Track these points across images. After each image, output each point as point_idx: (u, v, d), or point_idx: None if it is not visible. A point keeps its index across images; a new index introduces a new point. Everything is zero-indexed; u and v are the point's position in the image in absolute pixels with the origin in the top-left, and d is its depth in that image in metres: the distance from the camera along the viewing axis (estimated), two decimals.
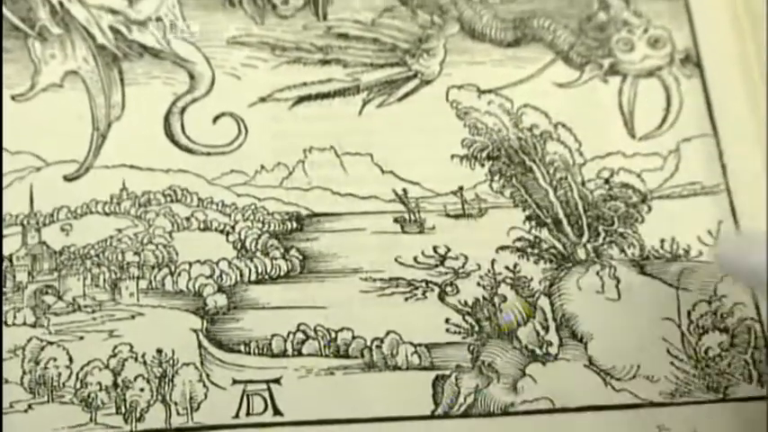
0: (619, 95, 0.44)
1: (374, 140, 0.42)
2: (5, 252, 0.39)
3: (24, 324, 0.38)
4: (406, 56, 0.44)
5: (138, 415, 0.37)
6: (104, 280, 0.39)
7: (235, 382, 0.38)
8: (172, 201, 0.41)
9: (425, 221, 0.41)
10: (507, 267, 0.41)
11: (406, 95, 0.44)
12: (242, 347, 0.38)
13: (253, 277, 0.40)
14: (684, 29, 0.45)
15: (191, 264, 0.39)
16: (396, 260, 0.40)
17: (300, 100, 0.43)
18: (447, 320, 0.39)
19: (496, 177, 0.42)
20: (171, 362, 0.38)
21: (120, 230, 0.40)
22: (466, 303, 0.40)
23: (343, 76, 0.44)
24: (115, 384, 0.37)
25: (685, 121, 0.44)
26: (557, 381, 0.39)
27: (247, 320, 0.39)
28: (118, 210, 0.40)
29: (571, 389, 0.39)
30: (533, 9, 0.45)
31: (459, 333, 0.39)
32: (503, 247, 0.41)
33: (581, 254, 0.41)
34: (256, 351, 0.38)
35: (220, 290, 0.39)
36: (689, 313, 0.40)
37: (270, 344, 0.38)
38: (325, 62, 0.44)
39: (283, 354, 0.38)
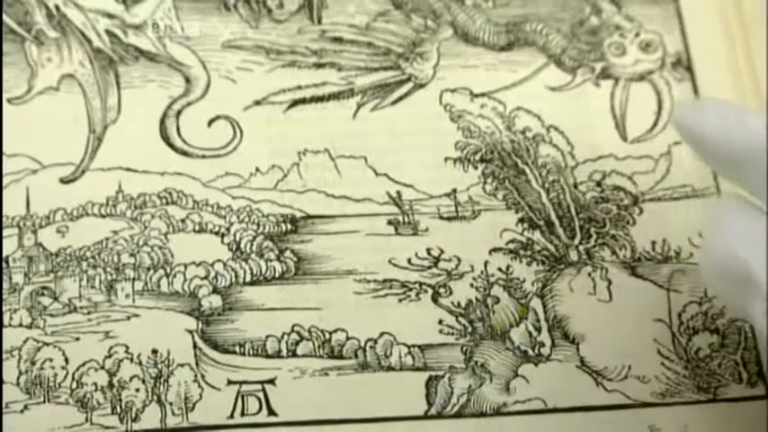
0: (611, 99, 0.45)
1: (368, 143, 0.43)
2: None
3: (21, 325, 0.38)
4: (400, 59, 0.45)
5: (133, 415, 0.37)
6: (100, 281, 0.39)
7: (230, 382, 0.38)
8: (167, 203, 0.41)
9: (419, 223, 0.42)
10: (500, 269, 0.41)
11: (400, 99, 0.44)
12: (237, 348, 0.39)
13: (248, 279, 0.40)
14: (675, 33, 0.46)
15: (186, 265, 0.40)
16: (389, 262, 0.41)
17: (295, 103, 0.43)
18: (440, 321, 0.40)
19: (489, 180, 0.43)
20: (166, 362, 0.38)
21: (115, 232, 0.40)
22: (459, 305, 0.40)
23: (338, 80, 0.44)
24: (111, 385, 0.37)
25: None
26: (549, 381, 0.39)
27: (242, 321, 0.39)
28: (114, 212, 0.40)
29: (563, 389, 0.39)
30: (526, 13, 0.46)
31: (453, 334, 0.40)
32: (496, 249, 0.41)
33: (573, 256, 0.42)
34: (251, 352, 0.39)
35: (215, 291, 0.39)
36: (679, 314, 0.41)
37: (264, 345, 0.39)
38: (319, 66, 0.44)
39: (278, 354, 0.39)
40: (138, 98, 0.42)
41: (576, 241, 0.42)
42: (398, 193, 0.42)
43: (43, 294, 0.38)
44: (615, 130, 0.44)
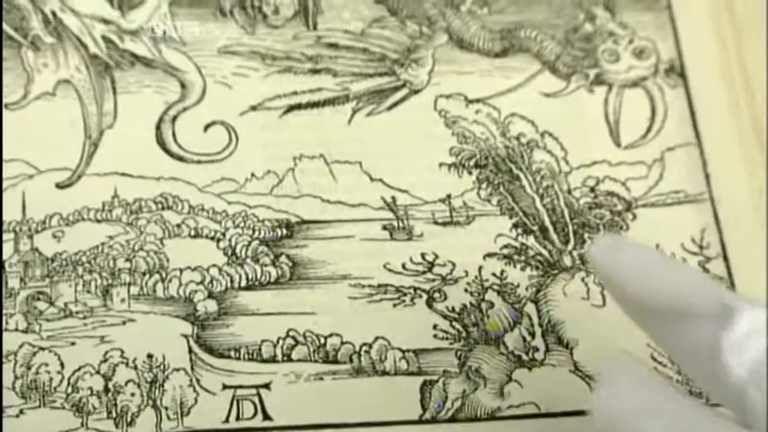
0: (604, 105, 0.45)
1: (363, 149, 0.43)
2: None
3: (16, 330, 0.38)
4: (395, 65, 0.45)
5: (128, 419, 0.37)
6: (96, 286, 0.39)
7: (225, 387, 0.38)
8: (163, 208, 0.41)
9: (414, 229, 0.42)
10: (494, 274, 0.41)
11: (395, 104, 0.44)
12: (232, 353, 0.39)
13: (243, 283, 0.40)
14: (669, 40, 0.46)
15: (181, 270, 0.40)
16: (384, 267, 0.41)
17: (290, 109, 0.43)
18: (435, 326, 0.40)
19: (484, 185, 0.43)
20: (161, 367, 0.38)
21: (111, 237, 0.40)
22: (453, 309, 0.40)
23: (333, 86, 0.44)
24: (106, 389, 0.37)
25: (670, 130, 0.44)
26: (543, 386, 0.39)
27: (237, 326, 0.39)
28: (109, 217, 0.40)
29: (557, 394, 0.39)
30: (521, 20, 0.46)
31: (447, 339, 0.40)
32: (490, 254, 0.42)
33: (567, 261, 0.42)
34: (246, 356, 0.39)
35: (211, 296, 0.40)
36: None
37: (260, 349, 0.39)
38: (315, 71, 0.44)
39: (273, 359, 0.39)
40: (134, 103, 0.43)
41: (570, 246, 0.42)
42: (393, 198, 0.42)
43: (39, 299, 0.39)
44: (609, 137, 0.44)
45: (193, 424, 0.37)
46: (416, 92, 0.44)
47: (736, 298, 0.27)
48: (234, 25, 0.45)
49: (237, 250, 0.41)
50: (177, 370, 0.38)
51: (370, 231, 0.42)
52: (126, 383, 0.38)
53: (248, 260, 0.41)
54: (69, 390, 0.37)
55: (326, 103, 0.44)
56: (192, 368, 0.38)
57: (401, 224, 0.42)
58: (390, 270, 0.41)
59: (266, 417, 0.38)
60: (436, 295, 0.41)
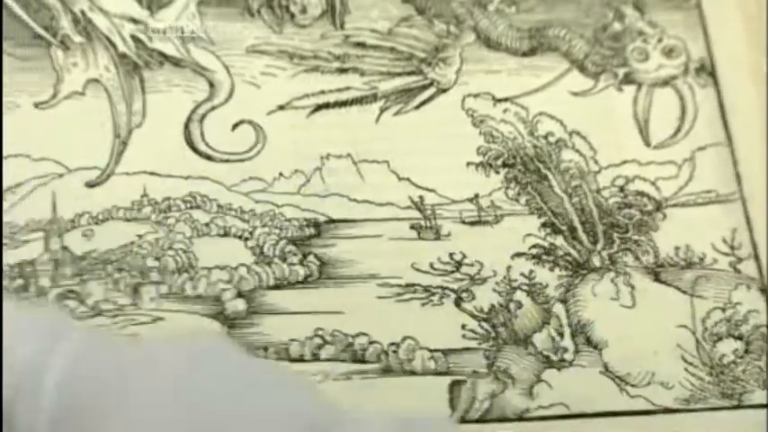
0: (634, 104, 0.44)
1: (391, 148, 0.43)
2: (28, 257, 0.39)
3: None
4: (423, 65, 0.45)
5: None
6: (125, 285, 0.39)
7: None
8: (191, 207, 0.41)
9: (441, 228, 0.42)
10: (523, 274, 0.41)
11: (423, 104, 0.44)
12: (260, 352, 0.39)
13: (271, 282, 0.40)
14: (699, 39, 0.46)
15: (210, 269, 0.40)
16: (412, 266, 0.41)
17: (318, 108, 0.43)
18: (463, 326, 0.40)
19: (512, 185, 0.43)
20: None
21: (140, 236, 0.40)
22: (482, 309, 0.40)
23: (361, 85, 0.44)
24: None
25: (700, 129, 0.44)
26: (572, 387, 0.39)
27: (266, 325, 0.39)
28: (139, 216, 0.41)
29: (586, 395, 0.39)
30: (549, 19, 0.46)
31: (476, 339, 0.40)
32: (518, 254, 0.41)
33: (596, 261, 0.41)
34: (274, 356, 0.39)
35: (239, 295, 0.40)
36: (703, 320, 0.41)
37: (288, 348, 0.39)
38: (342, 71, 0.44)
39: (301, 358, 0.39)
40: (162, 103, 0.43)
41: (599, 247, 0.42)
42: (421, 197, 0.42)
43: (69, 298, 0.39)
44: (638, 136, 0.44)
45: None
46: (444, 91, 0.44)
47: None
48: (261, 24, 0.45)
49: (265, 249, 0.41)
50: None
51: (397, 230, 0.42)
52: None
53: (276, 259, 0.41)
54: None
55: (354, 103, 0.44)
56: None
57: (429, 223, 0.42)
58: (418, 269, 0.41)
59: None
60: (464, 295, 0.40)
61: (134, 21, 0.44)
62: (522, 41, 0.45)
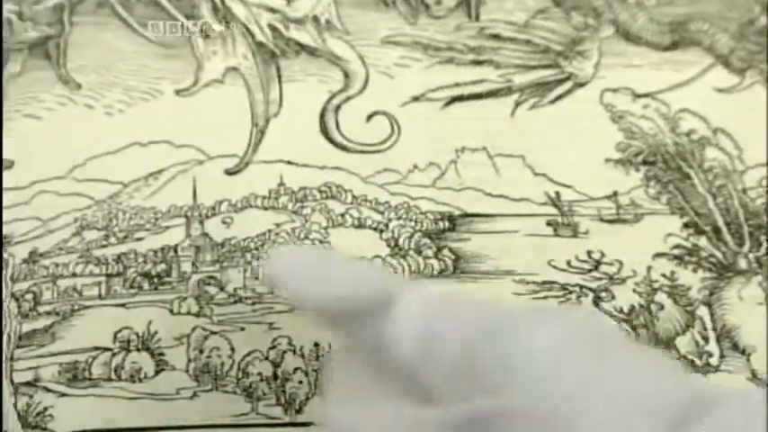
0: None
1: (526, 142, 0.42)
2: (170, 241, 0.40)
3: (189, 313, 0.38)
4: (560, 58, 0.44)
5: (297, 407, 0.37)
6: (264, 273, 0.39)
7: None
8: (327, 197, 0.41)
9: (579, 225, 0.41)
10: (664, 275, 0.40)
11: (559, 98, 0.43)
12: None
13: (406, 275, 0.40)
14: None
15: None
16: (549, 263, 0.40)
17: (453, 100, 0.43)
18: None
19: (652, 183, 0.42)
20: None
21: (277, 225, 0.40)
22: (621, 310, 0.39)
23: (496, 77, 0.43)
24: (275, 376, 0.37)
25: None
26: None
27: None
28: (276, 204, 0.41)
29: None
30: (691, 12, 0.44)
31: None
32: (659, 254, 0.40)
33: (742, 264, 0.40)
34: None
35: None
36: None
37: None
38: (477, 63, 0.44)
39: None
40: (298, 92, 0.43)
41: (746, 249, 0.40)
42: (557, 193, 0.41)
43: (210, 284, 0.39)
44: None
45: None
46: (581, 85, 0.43)
47: (402, 284, 0.26)
48: (396, 15, 0.44)
49: (400, 242, 0.40)
50: None
51: (533, 227, 0.41)
52: (294, 371, 0.38)
53: (411, 252, 0.40)
54: (240, 374, 0.37)
55: (489, 95, 0.43)
56: None
57: (566, 220, 0.41)
58: (555, 267, 0.40)
59: None
60: (603, 294, 0.39)
61: (271, 10, 0.44)
62: (664, 35, 0.44)
